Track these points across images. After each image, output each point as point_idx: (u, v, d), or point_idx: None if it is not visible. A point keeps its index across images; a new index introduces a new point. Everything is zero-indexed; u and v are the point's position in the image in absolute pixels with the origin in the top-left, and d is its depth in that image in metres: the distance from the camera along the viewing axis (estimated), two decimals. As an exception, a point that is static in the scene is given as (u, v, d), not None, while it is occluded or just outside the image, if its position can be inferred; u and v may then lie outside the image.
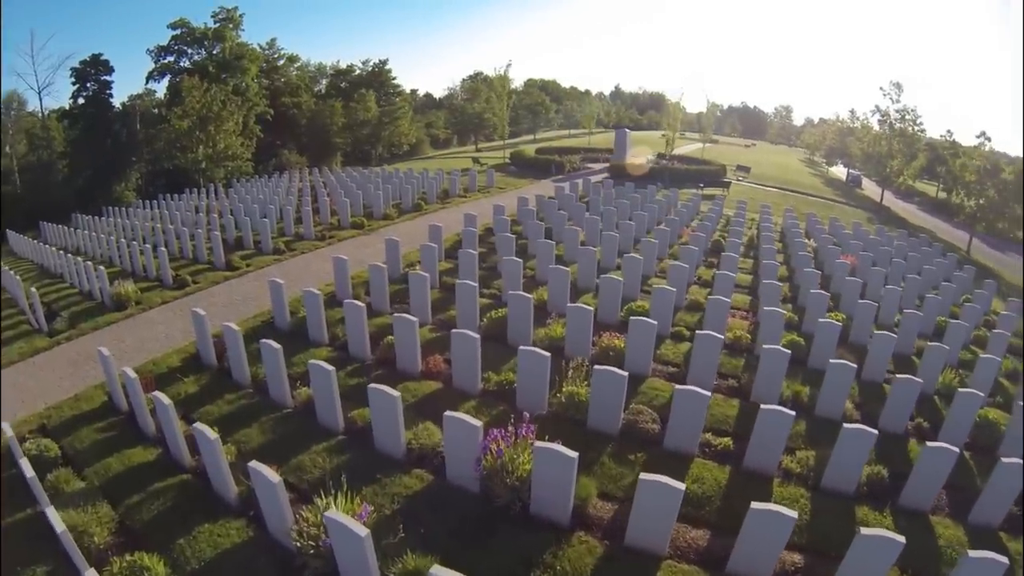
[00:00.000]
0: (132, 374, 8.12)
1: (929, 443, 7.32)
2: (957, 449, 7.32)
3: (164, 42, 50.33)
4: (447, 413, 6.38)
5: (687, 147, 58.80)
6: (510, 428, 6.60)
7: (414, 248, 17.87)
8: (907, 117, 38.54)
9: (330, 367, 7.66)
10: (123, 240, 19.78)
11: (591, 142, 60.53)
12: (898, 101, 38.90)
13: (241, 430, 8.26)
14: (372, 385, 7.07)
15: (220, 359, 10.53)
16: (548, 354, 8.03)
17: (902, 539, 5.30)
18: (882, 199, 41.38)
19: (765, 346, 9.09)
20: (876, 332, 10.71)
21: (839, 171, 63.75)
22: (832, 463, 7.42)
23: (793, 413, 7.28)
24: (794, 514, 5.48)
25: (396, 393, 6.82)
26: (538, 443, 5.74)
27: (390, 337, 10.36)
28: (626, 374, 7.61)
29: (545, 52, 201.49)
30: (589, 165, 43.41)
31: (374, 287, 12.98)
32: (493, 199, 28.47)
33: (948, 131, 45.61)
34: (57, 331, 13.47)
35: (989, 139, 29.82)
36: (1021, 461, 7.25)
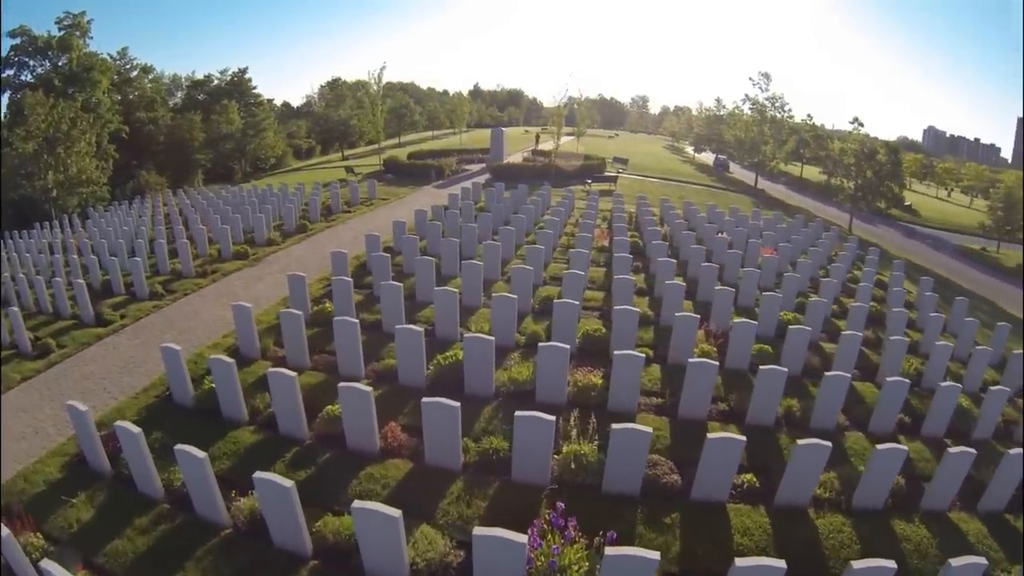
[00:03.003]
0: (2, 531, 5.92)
1: (950, 449, 7.69)
2: (974, 451, 7.66)
3: (2, 53, 44.56)
4: (478, 532, 5.22)
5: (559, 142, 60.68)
6: (546, 524, 5.68)
7: (313, 278, 16.16)
8: (776, 104, 42.88)
9: (288, 483, 6.12)
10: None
11: (462, 142, 60.74)
12: (767, 90, 43.26)
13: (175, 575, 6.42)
14: (358, 504, 5.69)
15: (114, 460, 8.34)
16: (552, 418, 7.19)
17: (984, 560, 5.53)
18: (756, 182, 45.59)
19: (762, 367, 9.05)
20: (843, 332, 11.14)
21: (705, 157, 69.33)
22: (863, 482, 7.55)
23: (829, 444, 7.18)
24: (892, 564, 5.23)
25: (396, 512, 5.52)
26: (610, 550, 4.90)
27: (330, 408, 9.00)
28: (650, 430, 7.05)
29: (398, 58, 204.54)
30: (467, 167, 43.15)
31: (288, 338, 11.25)
32: (381, 212, 27.39)
33: (808, 115, 51.56)
34: None
35: (862, 124, 33.86)
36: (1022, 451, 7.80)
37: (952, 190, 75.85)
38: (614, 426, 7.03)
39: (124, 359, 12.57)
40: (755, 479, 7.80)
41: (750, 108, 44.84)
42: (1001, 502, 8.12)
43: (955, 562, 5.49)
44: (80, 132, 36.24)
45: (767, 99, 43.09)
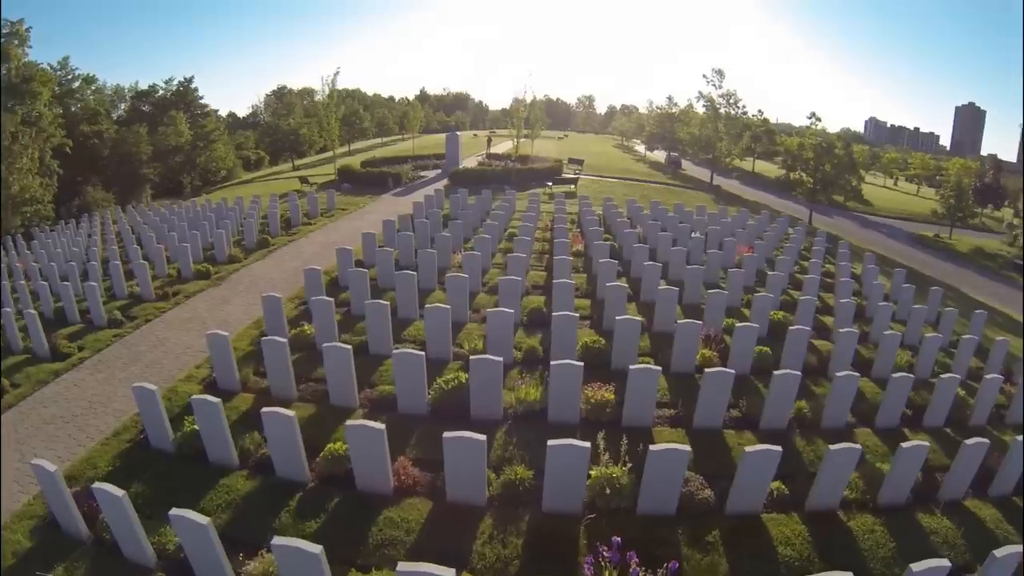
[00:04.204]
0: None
1: (967, 441, 7.97)
2: (988, 441, 8.00)
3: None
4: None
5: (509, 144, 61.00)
6: (603, 561, 5.52)
7: (284, 297, 15.49)
8: (730, 101, 44.10)
9: (315, 548, 5.51)
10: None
11: (414, 147, 60.32)
12: (720, 87, 44.50)
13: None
14: (405, 567, 5.10)
15: (91, 521, 7.54)
16: (587, 444, 7.06)
17: (1019, 549, 5.80)
18: (712, 179, 46.79)
19: (775, 372, 9.18)
20: (841, 330, 11.44)
21: (657, 155, 70.74)
22: (888, 480, 7.78)
23: (859, 447, 7.31)
24: (947, 563, 5.37)
25: (450, 572, 5.12)
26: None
27: (332, 446, 8.50)
28: (688, 448, 6.97)
29: (337, 65, 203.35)
30: (422, 173, 42.72)
31: (272, 367, 10.64)
32: (343, 223, 26.91)
33: (759, 110, 53.32)
34: None
35: (820, 119, 35.27)
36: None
37: (897, 179, 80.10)
38: (652, 447, 6.97)
39: (88, 398, 11.61)
40: (783, 486, 7.85)
41: (704, 105, 46.10)
42: (1009, 486, 8.54)
43: (999, 552, 5.68)
44: (22, 147, 34.53)
45: (721, 96, 44.45)
